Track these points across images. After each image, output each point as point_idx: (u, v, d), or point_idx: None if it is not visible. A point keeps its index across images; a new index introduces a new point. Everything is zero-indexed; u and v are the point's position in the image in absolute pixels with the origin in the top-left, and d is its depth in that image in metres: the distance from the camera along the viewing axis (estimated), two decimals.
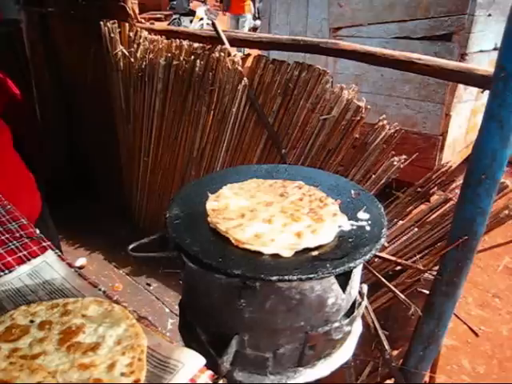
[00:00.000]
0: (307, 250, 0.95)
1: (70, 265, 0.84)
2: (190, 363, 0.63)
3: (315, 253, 0.95)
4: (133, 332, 0.68)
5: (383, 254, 1.94)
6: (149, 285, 2.85)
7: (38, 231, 0.92)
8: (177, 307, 1.24)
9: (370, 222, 1.06)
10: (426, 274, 1.91)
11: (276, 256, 0.92)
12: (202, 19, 12.94)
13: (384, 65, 2.00)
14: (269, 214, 1.05)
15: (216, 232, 1.00)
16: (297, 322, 0.97)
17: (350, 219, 1.07)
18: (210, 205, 1.09)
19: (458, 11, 3.40)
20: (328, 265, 0.89)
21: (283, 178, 1.28)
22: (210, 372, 0.65)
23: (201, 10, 13.29)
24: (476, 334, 2.54)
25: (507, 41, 1.29)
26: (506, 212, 1.72)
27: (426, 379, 1.95)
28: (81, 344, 0.66)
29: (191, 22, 13.09)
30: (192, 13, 13.54)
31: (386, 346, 1.96)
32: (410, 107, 3.85)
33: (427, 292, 1.82)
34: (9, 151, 1.19)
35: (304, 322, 0.97)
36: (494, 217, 1.73)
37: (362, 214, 1.10)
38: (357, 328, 1.16)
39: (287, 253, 0.94)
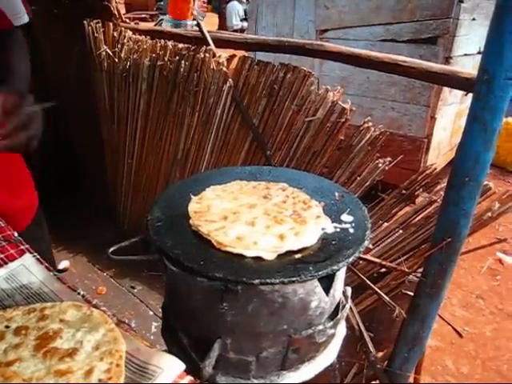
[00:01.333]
0: (290, 252, 0.94)
1: (48, 268, 0.82)
2: (169, 368, 0.62)
3: (298, 256, 0.94)
4: (111, 337, 0.67)
5: (368, 257, 1.94)
6: (133, 287, 2.83)
7: (15, 234, 0.90)
8: (161, 310, 1.23)
9: (353, 225, 1.06)
10: (411, 276, 1.91)
11: (259, 259, 0.92)
12: None
13: (369, 67, 2.00)
14: (252, 217, 1.04)
15: (198, 235, 0.99)
16: (280, 326, 0.96)
17: (333, 222, 1.07)
18: (192, 207, 1.08)
19: (443, 15, 3.44)
20: (311, 268, 0.88)
21: (267, 179, 1.27)
22: (189, 377, 0.64)
23: None
24: (460, 335, 2.57)
25: (490, 45, 1.30)
26: (489, 214, 1.73)
27: (411, 380, 1.95)
28: (58, 350, 0.64)
29: None
30: None
31: (371, 348, 1.96)
32: (395, 110, 3.88)
33: (412, 294, 1.82)
34: None
35: (287, 325, 0.96)
36: (477, 219, 1.74)
37: (345, 217, 1.09)
38: (341, 331, 1.16)
39: (269, 255, 0.93)
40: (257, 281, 0.84)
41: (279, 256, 0.93)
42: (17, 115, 0.90)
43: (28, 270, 0.81)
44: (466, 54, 3.73)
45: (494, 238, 3.34)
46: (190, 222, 1.02)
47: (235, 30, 12.49)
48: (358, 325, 1.98)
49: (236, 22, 13.46)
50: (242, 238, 0.96)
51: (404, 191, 1.95)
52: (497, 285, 3.16)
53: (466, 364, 2.45)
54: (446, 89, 3.54)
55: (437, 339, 2.57)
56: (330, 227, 1.05)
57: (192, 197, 1.13)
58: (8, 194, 1.25)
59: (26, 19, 1.29)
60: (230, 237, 0.96)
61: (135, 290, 2.82)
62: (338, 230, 1.05)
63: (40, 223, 1.43)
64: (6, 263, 0.81)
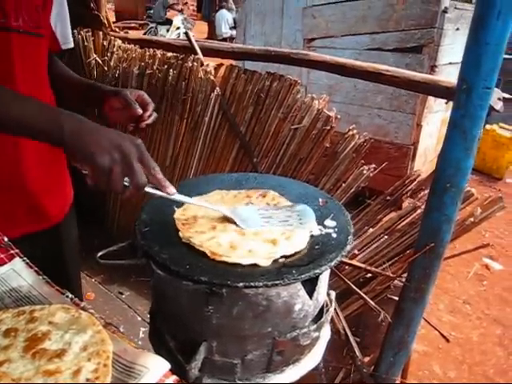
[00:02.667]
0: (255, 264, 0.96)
1: (37, 272, 0.84)
2: (154, 368, 0.64)
3: (282, 260, 0.96)
4: (99, 338, 0.68)
5: (354, 262, 1.97)
6: (121, 293, 2.83)
7: (6, 239, 0.92)
8: (148, 314, 1.24)
9: (336, 230, 1.08)
10: (396, 281, 1.94)
11: (223, 262, 0.94)
12: (178, 28, 12.95)
13: (354, 76, 2.05)
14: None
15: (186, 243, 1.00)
16: (264, 328, 0.98)
17: (318, 225, 1.09)
18: (179, 219, 1.08)
19: (428, 25, 3.51)
20: (294, 271, 0.90)
21: (253, 186, 1.29)
22: (175, 377, 0.65)
23: (178, 19, 13.31)
24: (447, 340, 2.59)
25: (468, 55, 1.34)
26: (472, 219, 1.77)
27: None
28: (46, 351, 0.66)
29: (168, 30, 13.10)
30: (169, 22, 13.55)
31: (358, 353, 1.99)
32: (382, 117, 3.93)
33: (397, 298, 1.85)
34: None
35: (271, 328, 0.98)
36: (460, 224, 1.78)
37: (329, 222, 1.11)
38: (325, 334, 1.17)
39: (265, 262, 0.94)
40: (241, 284, 0.86)
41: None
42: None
43: (18, 273, 0.82)
44: (450, 63, 3.79)
45: (480, 243, 3.37)
46: (180, 234, 1.01)
47: (224, 39, 12.56)
48: (344, 329, 2.00)
49: (225, 30, 13.52)
50: (236, 246, 0.97)
51: (389, 197, 1.98)
52: (483, 290, 3.19)
53: (452, 369, 2.47)
54: (431, 97, 3.59)
55: (424, 344, 2.59)
56: (316, 229, 1.07)
57: (176, 209, 1.13)
58: (47, 187, 1.31)
59: (72, 45, 1.43)
60: (224, 246, 0.97)
61: (123, 296, 2.82)
62: (323, 233, 1.07)
63: (72, 220, 1.49)
64: None
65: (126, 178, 0.83)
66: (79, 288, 1.60)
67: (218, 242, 0.98)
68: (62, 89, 1.39)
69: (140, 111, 1.19)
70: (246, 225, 1.06)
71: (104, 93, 1.29)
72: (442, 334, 2.58)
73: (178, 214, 1.10)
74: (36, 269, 0.85)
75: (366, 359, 2.05)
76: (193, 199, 1.06)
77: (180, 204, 1.14)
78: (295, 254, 0.98)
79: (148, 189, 0.87)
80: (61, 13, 1.32)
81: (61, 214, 1.39)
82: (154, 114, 1.25)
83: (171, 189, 0.91)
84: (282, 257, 0.96)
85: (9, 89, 0.94)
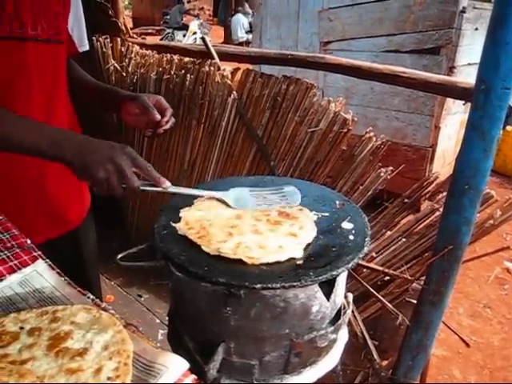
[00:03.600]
0: (292, 259, 0.97)
1: (59, 274, 0.86)
2: (173, 367, 0.65)
3: (300, 262, 0.97)
4: (119, 338, 0.70)
5: (371, 265, 1.97)
6: (140, 296, 2.86)
7: (29, 241, 0.94)
8: (167, 318, 1.25)
9: (353, 232, 1.08)
10: (414, 284, 1.93)
11: (263, 264, 0.94)
12: (195, 33, 13.06)
13: (370, 78, 2.04)
14: (251, 224, 1.06)
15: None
16: (282, 330, 0.98)
17: (333, 229, 1.09)
18: (191, 235, 1.04)
19: (446, 25, 3.48)
20: (311, 273, 0.91)
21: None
22: (193, 376, 0.66)
23: (194, 24, 13.41)
24: (467, 345, 2.56)
25: (486, 55, 1.33)
26: (491, 222, 1.75)
27: None
28: (69, 349, 0.67)
29: (184, 36, 13.21)
30: (185, 27, 13.67)
31: (376, 356, 1.98)
32: (399, 119, 3.91)
33: (415, 301, 1.84)
34: None
35: (289, 329, 0.98)
36: (479, 226, 1.76)
37: (346, 224, 1.12)
38: (343, 336, 1.17)
39: (300, 253, 0.98)
40: (259, 285, 0.87)
41: (280, 262, 0.95)
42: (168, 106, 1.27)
43: (40, 275, 0.84)
44: (469, 64, 3.75)
45: (500, 246, 3.33)
46: (204, 248, 0.99)
47: (240, 43, 12.62)
48: (362, 333, 1.99)
49: (241, 34, 13.60)
50: (264, 245, 0.98)
51: (406, 200, 1.97)
52: (504, 294, 3.15)
53: (473, 374, 2.44)
54: (449, 98, 3.56)
55: (443, 348, 2.56)
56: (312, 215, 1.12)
57: (178, 226, 1.09)
58: (66, 192, 1.35)
59: (87, 47, 1.46)
60: (254, 249, 0.97)
61: (142, 299, 2.85)
62: (320, 215, 1.12)
63: (90, 224, 1.52)
64: (19, 269, 0.85)
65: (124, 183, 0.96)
66: (99, 290, 1.62)
67: (247, 246, 0.98)
68: (80, 92, 1.42)
69: (158, 117, 1.22)
70: (240, 205, 1.13)
71: (121, 98, 1.32)
72: (462, 339, 2.56)
73: (184, 229, 1.06)
74: (58, 270, 0.87)
75: (384, 363, 2.04)
76: (184, 189, 1.15)
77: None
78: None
79: (143, 187, 1.01)
80: (77, 16, 1.33)
81: (79, 218, 1.42)
82: (172, 120, 1.28)
83: (166, 183, 1.04)
84: (291, 258, 0.97)
85: (9, 111, 1.00)
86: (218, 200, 1.16)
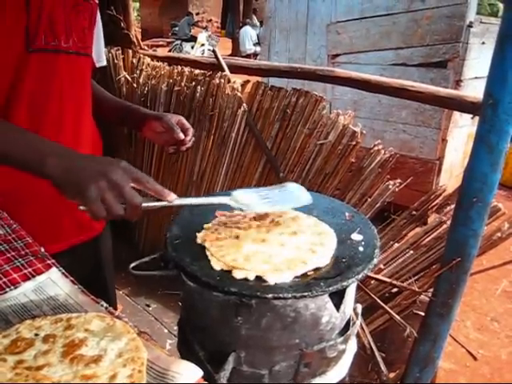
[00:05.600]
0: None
1: (73, 282, 0.87)
2: (187, 374, 0.66)
3: (311, 272, 0.98)
4: (133, 345, 0.71)
5: (379, 276, 1.97)
6: (148, 306, 2.87)
7: (42, 249, 0.95)
8: (175, 328, 1.26)
9: (363, 243, 1.09)
10: (422, 296, 1.93)
11: None
12: (203, 45, 13.17)
13: (378, 92, 2.06)
14: (277, 239, 1.07)
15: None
16: (292, 340, 0.99)
17: (343, 241, 1.10)
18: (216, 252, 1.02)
19: (453, 39, 3.50)
20: (322, 283, 0.92)
21: None
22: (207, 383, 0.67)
23: (202, 36, 13.53)
24: (474, 358, 2.54)
25: (494, 70, 1.35)
26: (499, 234, 1.76)
27: None
28: (83, 356, 0.68)
29: (192, 47, 13.32)
30: (193, 39, 13.78)
31: (383, 368, 1.97)
32: (407, 132, 3.92)
33: (423, 314, 1.84)
34: None
35: (299, 339, 0.99)
36: (487, 239, 1.76)
37: (355, 236, 1.13)
38: (352, 347, 1.18)
39: (325, 261, 1.01)
40: (270, 295, 0.88)
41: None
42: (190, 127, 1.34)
43: (54, 282, 0.85)
44: (476, 77, 3.76)
45: (508, 260, 3.31)
46: (237, 273, 0.96)
47: (248, 55, 12.69)
48: (369, 344, 1.99)
49: (249, 46, 13.68)
50: (292, 260, 0.99)
51: (414, 212, 1.98)
52: None
53: None
54: (456, 111, 3.57)
55: (451, 362, 2.54)
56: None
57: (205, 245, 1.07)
58: None
59: (105, 62, 1.49)
60: (281, 263, 0.98)
61: (150, 308, 2.86)
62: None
63: (108, 232, 1.54)
64: (33, 276, 0.86)
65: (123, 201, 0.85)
66: (114, 296, 1.64)
67: (278, 268, 0.98)
68: (99, 107, 1.44)
69: (182, 136, 1.28)
70: (250, 208, 1.06)
71: (145, 116, 1.37)
72: (469, 352, 2.54)
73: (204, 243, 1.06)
74: (71, 278, 0.88)
75: (392, 375, 2.03)
76: (188, 199, 1.04)
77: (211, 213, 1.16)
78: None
79: (145, 204, 0.89)
80: (97, 32, 1.37)
81: (101, 225, 1.44)
82: (193, 139, 1.35)
83: (171, 196, 0.92)
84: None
85: (3, 121, 0.99)
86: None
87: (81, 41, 1.22)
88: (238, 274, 0.94)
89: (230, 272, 0.95)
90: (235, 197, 1.08)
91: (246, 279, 0.94)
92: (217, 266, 0.97)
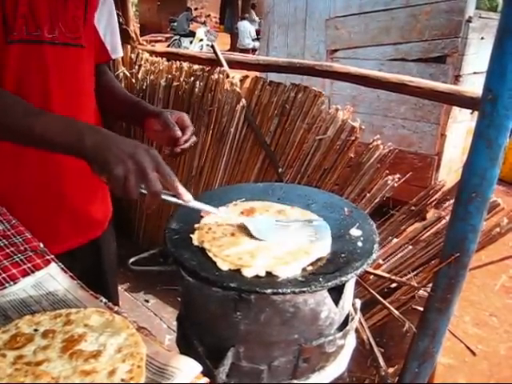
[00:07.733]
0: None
1: (72, 277, 0.87)
2: (186, 370, 0.66)
3: (309, 268, 0.98)
4: (133, 341, 0.71)
5: (378, 272, 1.97)
6: (147, 301, 2.87)
7: (41, 245, 0.95)
8: (174, 323, 1.26)
9: (362, 239, 1.09)
10: (421, 291, 1.93)
11: None
12: (201, 40, 13.12)
13: (377, 87, 2.06)
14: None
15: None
16: (291, 335, 0.99)
17: (342, 236, 1.10)
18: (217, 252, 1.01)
19: (452, 34, 3.49)
20: (321, 279, 0.92)
21: (279, 195, 1.31)
22: (206, 379, 0.67)
23: (201, 32, 13.48)
24: (473, 353, 2.54)
25: (493, 65, 1.34)
26: (498, 230, 1.76)
27: None
28: (83, 352, 0.68)
29: (191, 42, 13.27)
30: (192, 34, 13.72)
31: (382, 363, 1.98)
32: (406, 127, 3.91)
33: (422, 309, 1.84)
34: None
35: (298, 334, 0.99)
36: (486, 234, 1.77)
37: (354, 231, 1.13)
38: (350, 342, 1.18)
39: (327, 249, 1.02)
40: (269, 290, 0.88)
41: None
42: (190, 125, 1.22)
43: (54, 278, 0.85)
44: (475, 72, 3.76)
45: (506, 255, 3.32)
46: (246, 274, 0.96)
47: (247, 50, 12.66)
48: (368, 340, 1.99)
49: (248, 41, 13.64)
50: (294, 252, 1.00)
51: (413, 208, 1.98)
52: (511, 303, 3.14)
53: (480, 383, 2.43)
54: (455, 107, 3.57)
55: (449, 357, 2.55)
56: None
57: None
58: (88, 202, 1.35)
59: (121, 53, 1.45)
60: (285, 256, 0.99)
61: (149, 304, 2.86)
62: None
63: (111, 235, 1.52)
64: (33, 272, 0.86)
65: (144, 186, 0.87)
66: (116, 294, 1.63)
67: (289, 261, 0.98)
68: (106, 101, 1.41)
69: (179, 134, 1.18)
70: (262, 236, 1.05)
71: (146, 113, 1.29)
72: (468, 347, 2.54)
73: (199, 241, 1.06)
74: (71, 274, 0.88)
75: (391, 370, 2.03)
76: (208, 206, 1.05)
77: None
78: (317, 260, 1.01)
79: (165, 196, 0.90)
80: (110, 23, 1.34)
81: (101, 228, 1.42)
82: (193, 139, 1.22)
83: (188, 196, 0.93)
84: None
85: (31, 104, 0.97)
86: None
87: (70, 31, 1.16)
88: (248, 272, 0.94)
89: (237, 271, 0.95)
90: (253, 220, 1.09)
91: (257, 276, 0.93)
92: (224, 266, 0.96)
